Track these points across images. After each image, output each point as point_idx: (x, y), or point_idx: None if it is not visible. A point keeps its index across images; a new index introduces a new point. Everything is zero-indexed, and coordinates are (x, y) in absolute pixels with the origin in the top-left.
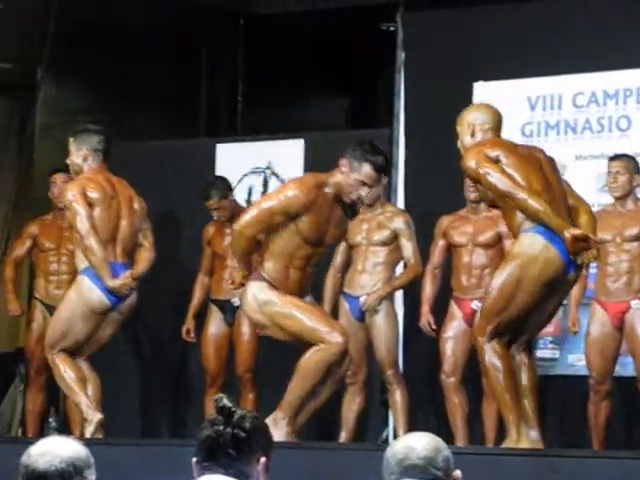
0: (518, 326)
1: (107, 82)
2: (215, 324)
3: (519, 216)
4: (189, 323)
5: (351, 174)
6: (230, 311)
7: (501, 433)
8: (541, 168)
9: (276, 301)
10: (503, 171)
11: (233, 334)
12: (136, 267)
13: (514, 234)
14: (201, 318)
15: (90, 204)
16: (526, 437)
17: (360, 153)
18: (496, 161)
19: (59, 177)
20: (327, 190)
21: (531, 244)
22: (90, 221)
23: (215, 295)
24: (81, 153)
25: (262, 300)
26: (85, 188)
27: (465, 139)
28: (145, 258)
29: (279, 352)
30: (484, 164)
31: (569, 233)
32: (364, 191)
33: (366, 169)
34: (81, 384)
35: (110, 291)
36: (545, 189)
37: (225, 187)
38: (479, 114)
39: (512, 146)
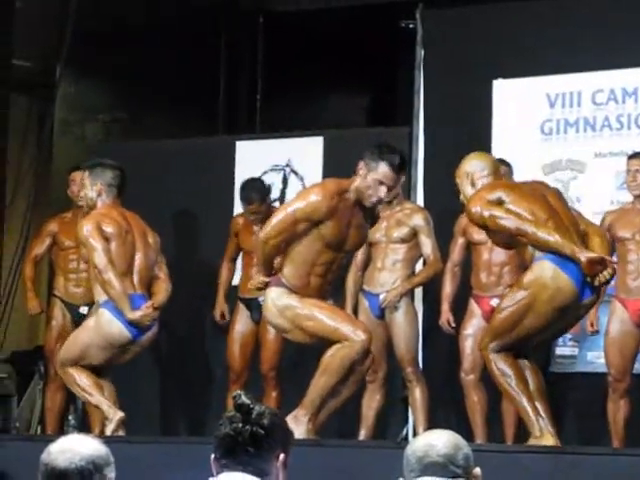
0: (525, 344)
1: (125, 80)
2: (242, 322)
3: (530, 248)
4: (221, 305)
5: (369, 175)
6: (257, 309)
7: (520, 431)
8: (545, 199)
9: (295, 304)
10: (508, 210)
11: (259, 332)
12: (155, 298)
13: (529, 267)
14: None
15: (106, 238)
16: (549, 434)
17: (377, 154)
18: (499, 203)
19: (78, 175)
20: (348, 196)
21: (542, 271)
22: (107, 255)
23: (242, 293)
24: (95, 188)
25: (282, 305)
26: (100, 223)
27: (466, 190)
28: (163, 289)
29: (304, 351)
30: (487, 207)
31: (584, 257)
32: (382, 192)
33: (383, 168)
34: (96, 388)
35: (131, 323)
36: (551, 217)
37: (266, 190)
38: (476, 162)
39: (511, 184)
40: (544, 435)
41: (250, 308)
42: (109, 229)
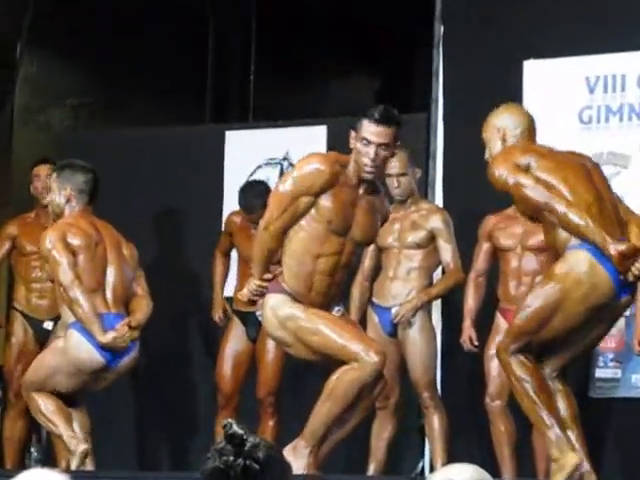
0: (552, 348)
1: (100, 60)
2: (236, 338)
3: (563, 233)
4: (220, 304)
5: (356, 140)
6: (253, 325)
7: None
8: (589, 176)
9: (299, 315)
10: (538, 180)
11: (256, 351)
12: (133, 316)
13: (558, 252)
14: (211, 331)
15: (72, 252)
16: (571, 452)
17: (359, 116)
18: (528, 169)
19: (43, 169)
20: (348, 172)
21: (577, 263)
22: (73, 270)
23: (237, 305)
24: (64, 193)
25: (283, 315)
26: (65, 234)
27: (495, 147)
28: (142, 306)
29: (305, 374)
30: (514, 173)
31: (615, 249)
32: (371, 152)
33: (364, 124)
34: (61, 415)
35: (104, 347)
36: (596, 200)
37: (266, 194)
38: (509, 117)
39: (548, 150)
40: (565, 454)
41: (246, 323)
42: (75, 241)
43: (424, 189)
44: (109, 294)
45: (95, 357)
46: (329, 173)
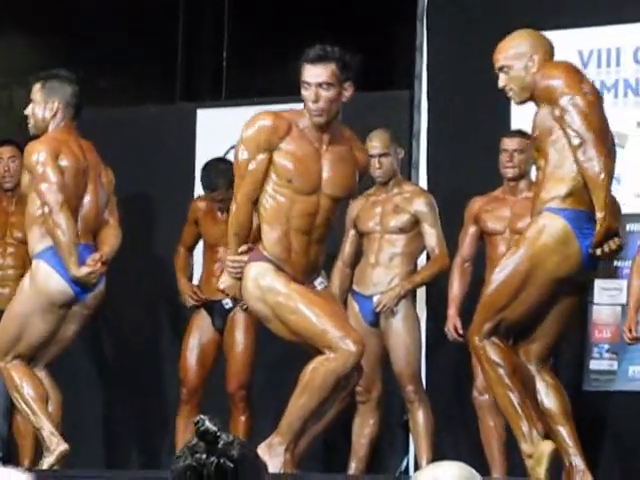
0: (523, 331)
1: (63, 35)
2: (202, 329)
3: (544, 192)
4: (187, 287)
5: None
6: (220, 314)
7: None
8: None
9: (280, 289)
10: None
11: (224, 342)
12: (102, 249)
13: (535, 208)
14: (181, 322)
15: (61, 172)
16: (543, 440)
17: None
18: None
19: (5, 151)
20: (306, 123)
21: (552, 228)
22: (63, 192)
23: (204, 293)
24: (50, 106)
25: (265, 285)
26: (57, 152)
27: (519, 75)
28: (112, 236)
29: (279, 366)
30: (576, 91)
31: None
32: (312, 93)
33: (303, 68)
34: (42, 403)
35: (73, 280)
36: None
37: (230, 172)
38: (534, 42)
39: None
40: (537, 445)
41: (212, 313)
42: (65, 162)
43: (407, 170)
44: (80, 224)
45: (65, 288)
46: (272, 126)
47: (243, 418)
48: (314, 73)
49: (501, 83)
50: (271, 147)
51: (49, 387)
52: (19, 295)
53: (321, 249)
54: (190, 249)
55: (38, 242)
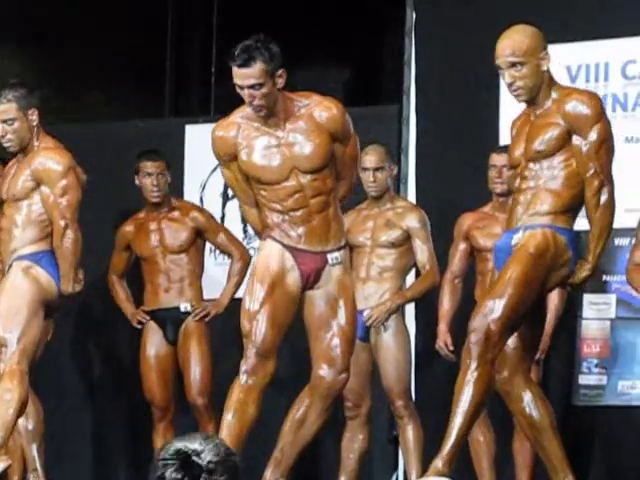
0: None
1: (49, 48)
2: (154, 343)
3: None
4: (134, 311)
5: None
6: (171, 324)
7: (537, 476)
8: None
9: (252, 278)
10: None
11: (178, 353)
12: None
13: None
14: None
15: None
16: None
17: None
18: None
19: None
20: (255, 118)
21: (541, 236)
22: (78, 206)
23: (149, 306)
24: (31, 113)
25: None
26: (75, 165)
27: (540, 73)
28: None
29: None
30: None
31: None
32: (246, 95)
33: (233, 71)
34: (38, 438)
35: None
36: None
37: (162, 155)
38: (541, 36)
39: None
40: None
41: (162, 324)
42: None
43: (396, 185)
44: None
45: (53, 288)
46: (220, 137)
47: (211, 427)
48: (242, 76)
49: (509, 80)
50: (230, 154)
51: (31, 401)
52: (21, 299)
53: (326, 216)
54: (122, 275)
55: (25, 243)
